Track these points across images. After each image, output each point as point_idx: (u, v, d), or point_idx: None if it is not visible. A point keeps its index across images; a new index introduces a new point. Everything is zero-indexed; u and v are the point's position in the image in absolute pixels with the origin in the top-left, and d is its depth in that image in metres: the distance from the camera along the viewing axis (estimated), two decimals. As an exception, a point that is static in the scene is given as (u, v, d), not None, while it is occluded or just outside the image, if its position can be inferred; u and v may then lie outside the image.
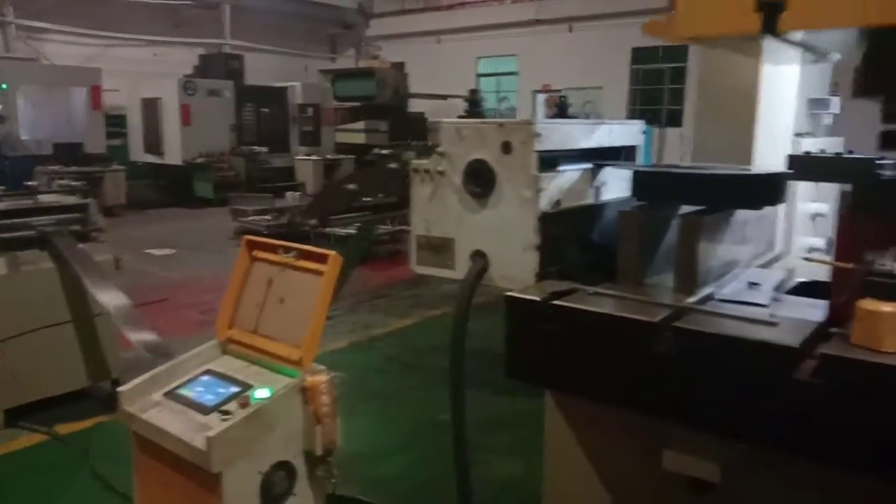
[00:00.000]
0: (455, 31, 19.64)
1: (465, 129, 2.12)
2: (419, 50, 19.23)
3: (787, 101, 2.78)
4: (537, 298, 1.80)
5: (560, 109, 13.80)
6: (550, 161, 2.11)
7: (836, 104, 3.66)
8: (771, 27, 1.49)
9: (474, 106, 12.50)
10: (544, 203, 2.03)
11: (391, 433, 3.95)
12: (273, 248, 2.34)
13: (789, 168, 1.85)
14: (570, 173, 2.17)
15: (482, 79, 19.66)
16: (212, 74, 15.36)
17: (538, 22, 17.97)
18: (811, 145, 3.12)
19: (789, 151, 2.36)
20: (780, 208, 2.50)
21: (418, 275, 2.32)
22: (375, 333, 5.72)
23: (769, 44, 1.89)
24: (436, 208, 2.18)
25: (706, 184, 1.90)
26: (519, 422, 3.75)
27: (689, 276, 1.85)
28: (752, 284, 1.91)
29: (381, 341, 5.54)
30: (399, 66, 14.09)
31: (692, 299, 1.79)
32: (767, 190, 1.85)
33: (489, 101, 17.85)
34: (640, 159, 2.50)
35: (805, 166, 1.81)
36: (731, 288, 1.89)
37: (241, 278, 2.39)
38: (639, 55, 16.66)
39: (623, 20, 15.31)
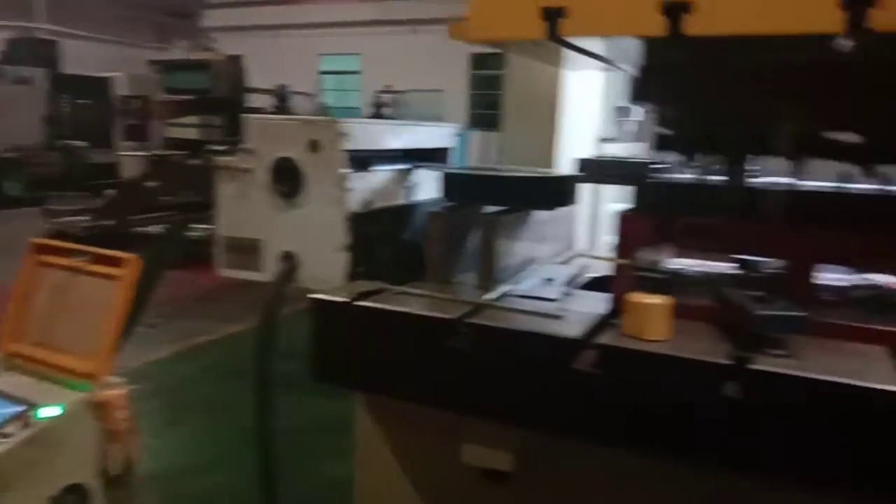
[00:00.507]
0: (297, 27, 19.23)
1: (271, 125, 2.07)
2: (259, 44, 18.61)
3: (591, 106, 2.98)
4: (341, 299, 1.79)
5: (377, 109, 13.86)
6: (363, 160, 2.11)
7: (638, 112, 3.98)
8: (554, 34, 1.57)
9: (282, 101, 12.12)
10: (354, 203, 2.02)
11: (214, 445, 3.78)
12: (64, 252, 2.14)
13: (580, 171, 1.98)
14: (382, 173, 2.18)
15: (325, 76, 19.41)
16: (22, 61, 13.92)
17: (379, 22, 18.04)
18: (615, 150, 3.37)
19: (594, 155, 2.51)
20: (582, 208, 2.68)
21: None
22: (201, 341, 5.45)
23: (563, 51, 2.01)
24: (242, 208, 2.11)
25: (504, 186, 1.98)
26: (348, 423, 3.73)
27: (489, 274, 1.92)
28: (548, 280, 2.02)
29: (208, 349, 5.29)
30: (235, 59, 13.50)
31: (491, 296, 1.86)
32: (559, 191, 1.97)
33: (330, 99, 17.66)
34: (454, 161, 2.56)
35: (592, 169, 1.95)
36: (527, 284, 1.99)
37: (26, 286, 2.17)
38: (476, 61, 17.23)
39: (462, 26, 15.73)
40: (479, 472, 1.77)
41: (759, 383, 1.39)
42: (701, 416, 1.46)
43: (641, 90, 1.70)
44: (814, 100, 1.56)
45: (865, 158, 1.66)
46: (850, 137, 1.67)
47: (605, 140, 3.44)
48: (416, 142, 2.35)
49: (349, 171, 1.99)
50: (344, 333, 1.79)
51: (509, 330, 1.62)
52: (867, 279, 2.01)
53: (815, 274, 1.62)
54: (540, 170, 2.14)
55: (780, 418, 1.39)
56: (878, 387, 1.31)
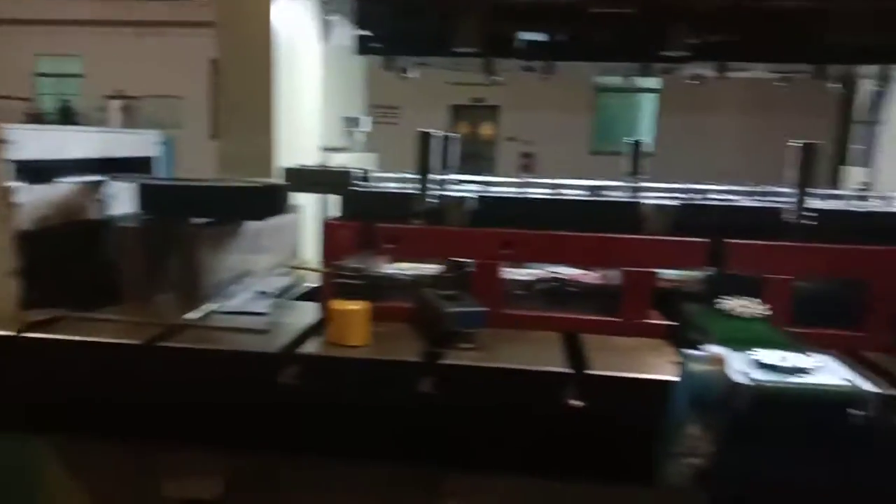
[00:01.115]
0: (5, 22, 16.76)
1: None
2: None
3: (311, 116, 2.97)
4: (5, 333, 1.55)
5: (63, 115, 12.32)
6: (40, 172, 1.85)
7: (366, 123, 4.06)
8: None
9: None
10: (26, 220, 1.77)
11: None
12: None
13: (287, 180, 1.94)
14: (64, 186, 1.93)
15: (43, 79, 17.19)
16: None
17: (101, 22, 16.42)
18: (343, 160, 3.39)
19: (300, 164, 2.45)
20: (307, 217, 2.64)
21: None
22: None
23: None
24: None
25: (204, 196, 1.88)
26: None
27: (192, 291, 1.80)
28: (260, 293, 1.95)
29: None
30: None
31: (193, 315, 1.74)
32: (264, 201, 1.92)
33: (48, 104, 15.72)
34: (160, 172, 2.37)
35: (298, 178, 1.92)
36: (239, 299, 1.90)
37: None
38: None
39: (198, 30, 14.94)
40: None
41: (449, 376, 1.46)
42: (402, 414, 1.49)
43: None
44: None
45: (547, 55, 1.81)
46: (536, 36, 1.81)
47: (332, 149, 3.46)
48: (107, 150, 2.13)
49: (17, 183, 1.74)
50: (12, 371, 1.55)
51: (205, 350, 1.53)
52: (554, 272, 2.23)
53: (501, 271, 1.74)
54: (247, 179, 2.05)
55: (470, 407, 1.47)
56: (544, 369, 1.44)
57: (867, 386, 1.17)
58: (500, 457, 1.49)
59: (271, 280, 2.12)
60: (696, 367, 1.19)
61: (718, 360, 1.20)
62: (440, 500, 1.58)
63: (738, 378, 1.16)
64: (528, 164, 14.15)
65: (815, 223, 1.64)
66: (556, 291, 2.00)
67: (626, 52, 1.70)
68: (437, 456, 1.52)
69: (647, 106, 15.64)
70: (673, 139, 13.32)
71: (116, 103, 15.67)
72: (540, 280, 2.06)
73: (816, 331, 1.61)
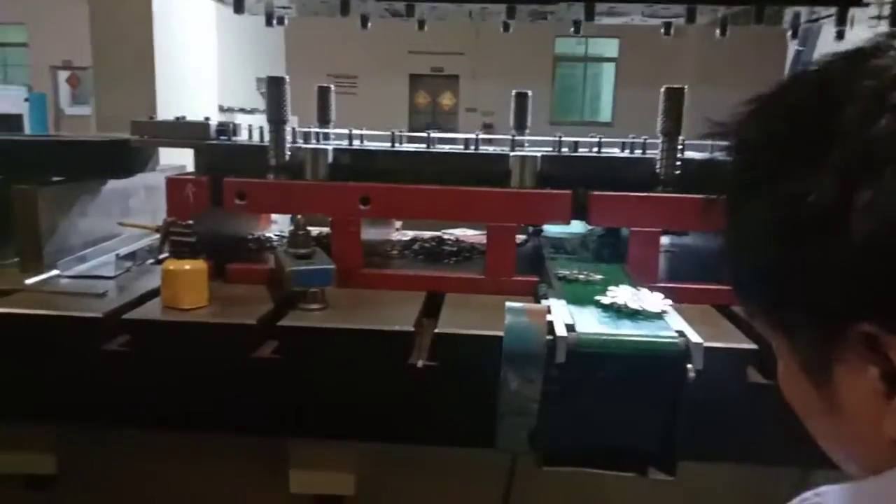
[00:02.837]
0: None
1: None
2: None
3: (205, 73, 2.83)
4: None
5: None
6: None
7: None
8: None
9: None
10: None
11: None
12: None
13: (133, 134, 1.81)
14: None
15: (-14, 50, 16.53)
16: None
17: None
18: (254, 121, 3.26)
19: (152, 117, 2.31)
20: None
21: None
22: None
23: None
24: None
25: (49, 152, 1.75)
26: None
27: (32, 254, 1.68)
28: (119, 257, 1.83)
29: None
30: None
31: (34, 279, 1.62)
32: (113, 157, 1.79)
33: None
34: (29, 128, 2.23)
35: (146, 131, 1.80)
36: (92, 263, 1.79)
37: None
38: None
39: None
40: (21, 482, 1.54)
41: (287, 339, 1.37)
42: (242, 381, 1.39)
43: None
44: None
45: None
46: None
47: (239, 110, 3.33)
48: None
49: None
50: None
51: (18, 315, 1.41)
52: (446, 233, 2.15)
53: (361, 229, 1.64)
54: (96, 135, 1.92)
55: (313, 370, 1.37)
56: (384, 328, 1.36)
57: (696, 339, 1.10)
58: (348, 422, 1.41)
59: (139, 243, 1.99)
60: (514, 321, 1.11)
61: (538, 313, 1.12)
62: (289, 470, 1.49)
63: (558, 331, 1.08)
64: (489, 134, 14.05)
65: (681, 173, 1.57)
66: (434, 251, 1.92)
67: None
68: (283, 425, 1.43)
69: (606, 76, 15.55)
70: (630, 109, 13.27)
71: (64, 74, 15.18)
72: (415, 240, 1.97)
73: (684, 285, 1.55)
